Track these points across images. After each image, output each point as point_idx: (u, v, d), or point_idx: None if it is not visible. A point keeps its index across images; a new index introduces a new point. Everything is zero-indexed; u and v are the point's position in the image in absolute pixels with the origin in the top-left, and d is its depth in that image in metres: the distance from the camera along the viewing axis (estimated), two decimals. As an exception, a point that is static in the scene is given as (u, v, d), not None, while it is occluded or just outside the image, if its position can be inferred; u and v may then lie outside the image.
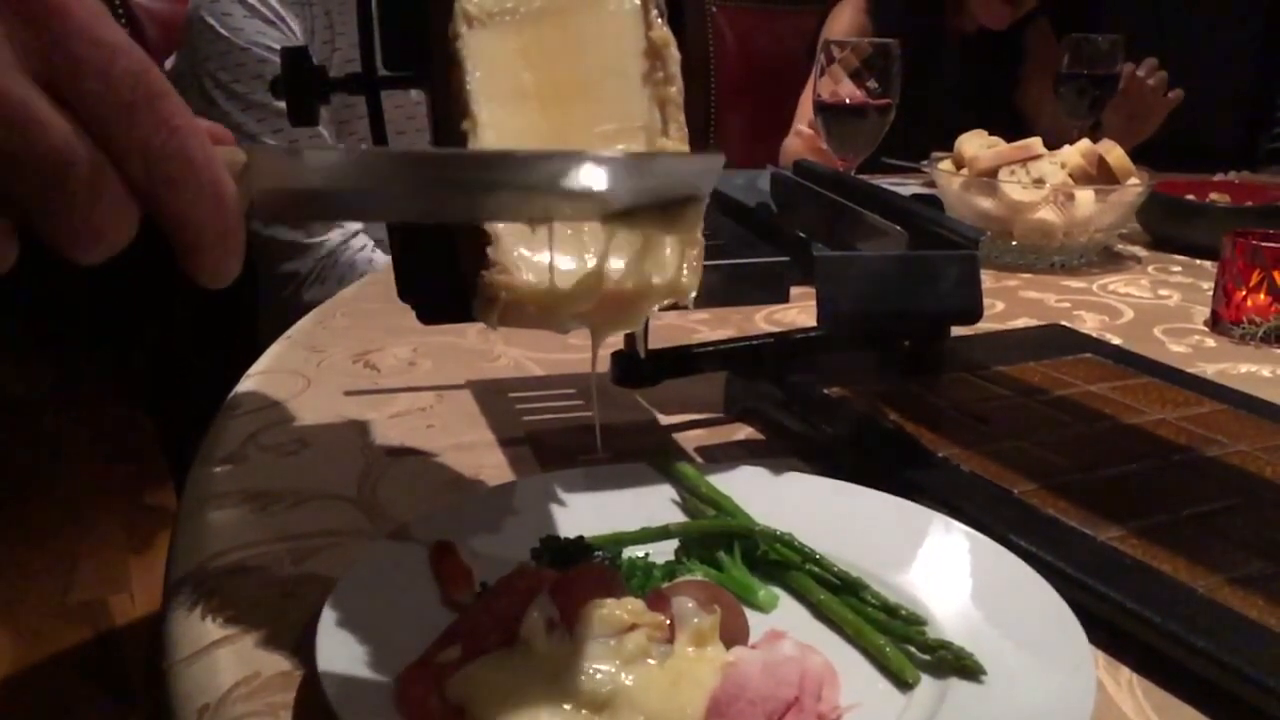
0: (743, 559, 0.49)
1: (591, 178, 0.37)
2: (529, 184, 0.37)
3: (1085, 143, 1.18)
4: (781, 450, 0.65)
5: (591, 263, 0.40)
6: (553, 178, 0.36)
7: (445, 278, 0.48)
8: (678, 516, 0.54)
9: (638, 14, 0.45)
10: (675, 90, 0.43)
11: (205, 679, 0.43)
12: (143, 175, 0.31)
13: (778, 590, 0.49)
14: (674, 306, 0.42)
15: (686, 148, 0.43)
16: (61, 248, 0.31)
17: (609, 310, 0.40)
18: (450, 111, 0.43)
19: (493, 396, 0.73)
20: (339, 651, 0.41)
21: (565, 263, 0.41)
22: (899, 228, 0.63)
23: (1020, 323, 0.93)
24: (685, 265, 0.41)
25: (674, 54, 0.44)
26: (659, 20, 0.44)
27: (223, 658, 0.44)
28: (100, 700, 1.74)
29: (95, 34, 0.30)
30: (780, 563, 0.49)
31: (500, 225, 0.40)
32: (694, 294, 0.41)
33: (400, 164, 0.37)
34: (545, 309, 0.39)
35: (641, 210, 0.38)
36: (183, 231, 0.32)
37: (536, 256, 0.40)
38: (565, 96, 0.43)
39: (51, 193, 0.30)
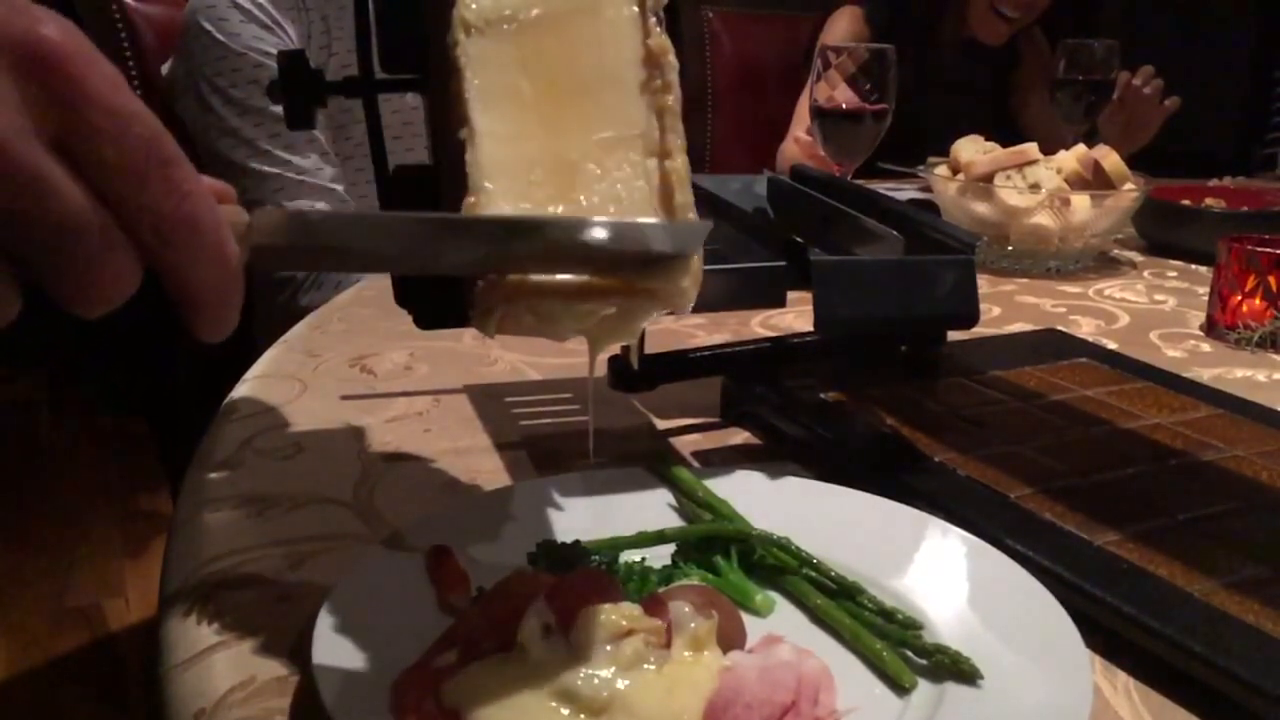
0: (739, 563, 0.49)
1: (581, 244, 0.38)
2: (523, 248, 0.38)
3: (1081, 148, 1.18)
4: (778, 455, 0.65)
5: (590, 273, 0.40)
6: (547, 242, 0.38)
7: (443, 283, 0.48)
8: (674, 521, 0.54)
9: (636, 22, 0.45)
10: (673, 98, 0.43)
11: (201, 684, 0.43)
12: (151, 239, 0.32)
13: (774, 595, 0.49)
14: (671, 312, 0.42)
15: (685, 157, 0.43)
16: (65, 303, 0.32)
17: (607, 320, 0.40)
18: (448, 119, 0.43)
19: (489, 401, 0.73)
20: (335, 656, 0.41)
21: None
22: (895, 233, 0.63)
23: (1016, 328, 0.93)
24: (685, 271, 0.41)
25: (672, 62, 0.44)
26: (657, 28, 0.44)
27: (219, 663, 0.44)
28: (95, 705, 1.74)
29: (111, 102, 0.31)
30: (777, 567, 0.49)
31: None
32: (692, 304, 0.41)
33: (396, 226, 0.38)
34: (542, 319, 0.39)
35: (628, 265, 0.39)
36: (186, 291, 0.33)
37: None
38: (563, 104, 0.43)
39: (60, 256, 0.31)
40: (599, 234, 0.38)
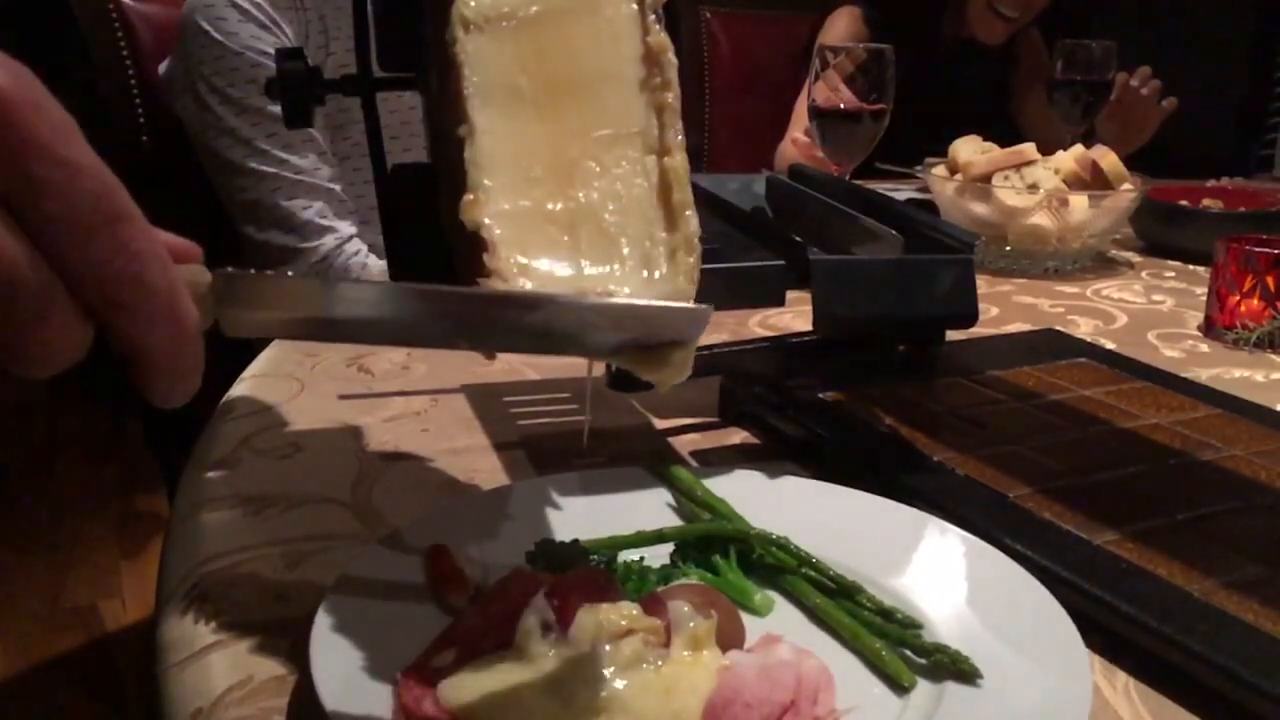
0: (738, 563, 0.49)
1: (583, 324, 0.36)
2: (521, 327, 0.36)
3: (1079, 148, 1.18)
4: (777, 454, 0.65)
5: (589, 271, 0.40)
6: (541, 322, 0.36)
7: (441, 279, 0.47)
8: (673, 520, 0.54)
9: (635, 19, 0.45)
10: (672, 96, 0.43)
11: (198, 683, 0.43)
12: (96, 298, 0.30)
13: (773, 594, 0.48)
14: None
15: (684, 154, 0.43)
16: (4, 363, 0.30)
17: None
18: (447, 116, 0.43)
19: (487, 400, 0.73)
20: (333, 656, 0.40)
21: (562, 270, 0.41)
22: (894, 232, 0.63)
23: (1014, 328, 0.93)
24: (683, 273, 0.41)
25: (671, 59, 0.44)
26: (656, 26, 0.44)
27: (216, 662, 0.44)
28: (91, 706, 1.73)
29: (58, 153, 0.28)
30: (776, 567, 0.49)
31: (497, 231, 0.40)
32: (692, 299, 0.41)
33: (373, 299, 0.36)
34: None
35: (628, 349, 0.38)
36: (135, 355, 0.31)
37: (533, 265, 0.40)
38: (562, 101, 0.43)
39: None
40: (599, 316, 0.36)
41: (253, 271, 0.34)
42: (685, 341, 0.38)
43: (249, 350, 0.82)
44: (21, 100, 0.28)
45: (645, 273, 0.41)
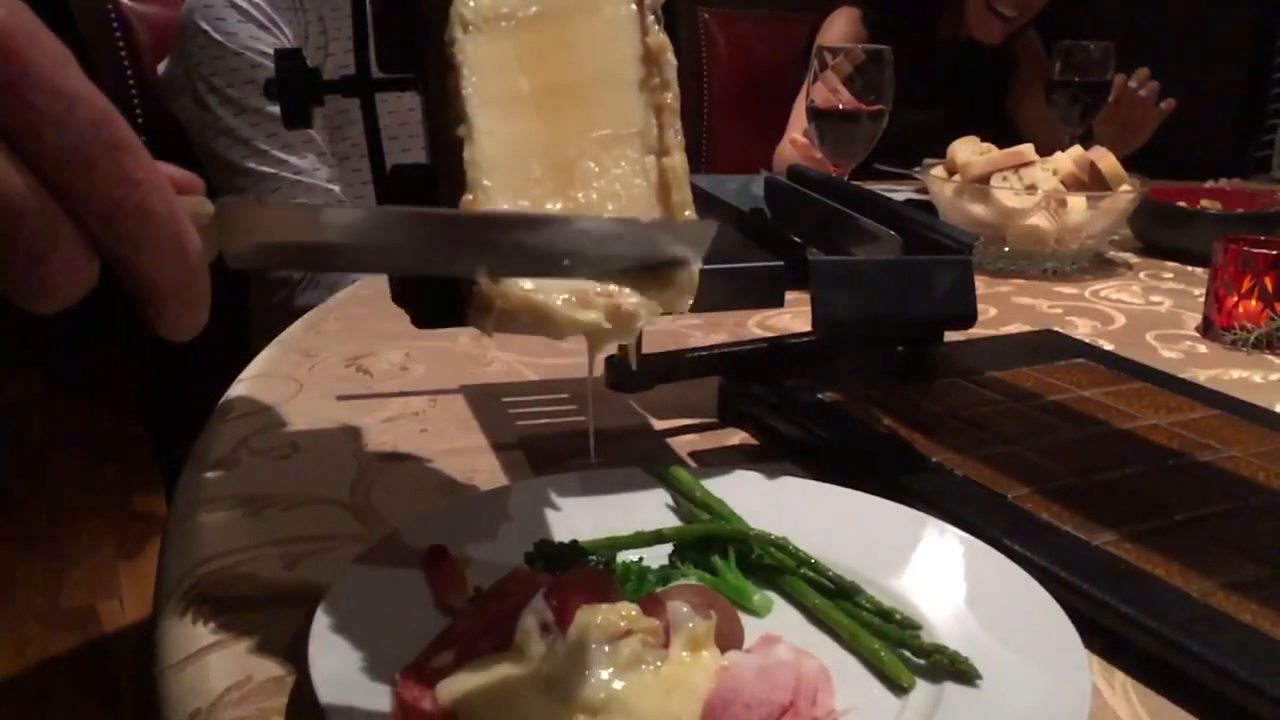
0: (737, 563, 0.49)
1: (585, 242, 0.36)
2: (523, 247, 0.36)
3: (1077, 149, 1.18)
4: (775, 455, 0.65)
5: None
6: (546, 241, 0.35)
7: (441, 282, 0.47)
8: (672, 521, 0.54)
9: (634, 20, 0.45)
10: (671, 96, 0.43)
11: (197, 684, 0.43)
12: (100, 229, 0.30)
13: (772, 595, 0.48)
14: (669, 312, 0.42)
15: (683, 154, 0.43)
16: (12, 298, 0.30)
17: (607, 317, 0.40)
18: (446, 117, 0.43)
19: (486, 401, 0.73)
20: (331, 656, 0.40)
21: None
22: (893, 233, 0.63)
23: (1012, 328, 0.93)
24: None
25: (670, 60, 0.44)
26: (655, 26, 0.44)
27: (214, 663, 0.44)
28: (89, 707, 1.73)
29: (55, 83, 0.28)
30: (775, 567, 0.49)
31: None
32: (690, 301, 0.41)
33: (374, 221, 0.35)
34: (540, 317, 0.39)
35: (632, 269, 0.37)
36: (141, 286, 0.31)
37: None
38: (561, 102, 0.43)
39: (2, 247, 0.29)
40: (602, 233, 0.37)
41: (254, 199, 0.34)
42: (689, 260, 0.38)
43: (247, 351, 0.82)
44: (17, 30, 0.28)
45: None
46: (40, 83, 0.28)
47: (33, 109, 0.28)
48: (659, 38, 0.44)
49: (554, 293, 0.39)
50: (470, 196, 0.41)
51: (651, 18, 0.45)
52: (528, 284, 0.40)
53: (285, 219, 0.34)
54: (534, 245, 0.36)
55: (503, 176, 0.41)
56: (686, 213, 0.42)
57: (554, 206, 0.41)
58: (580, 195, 0.42)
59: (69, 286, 0.30)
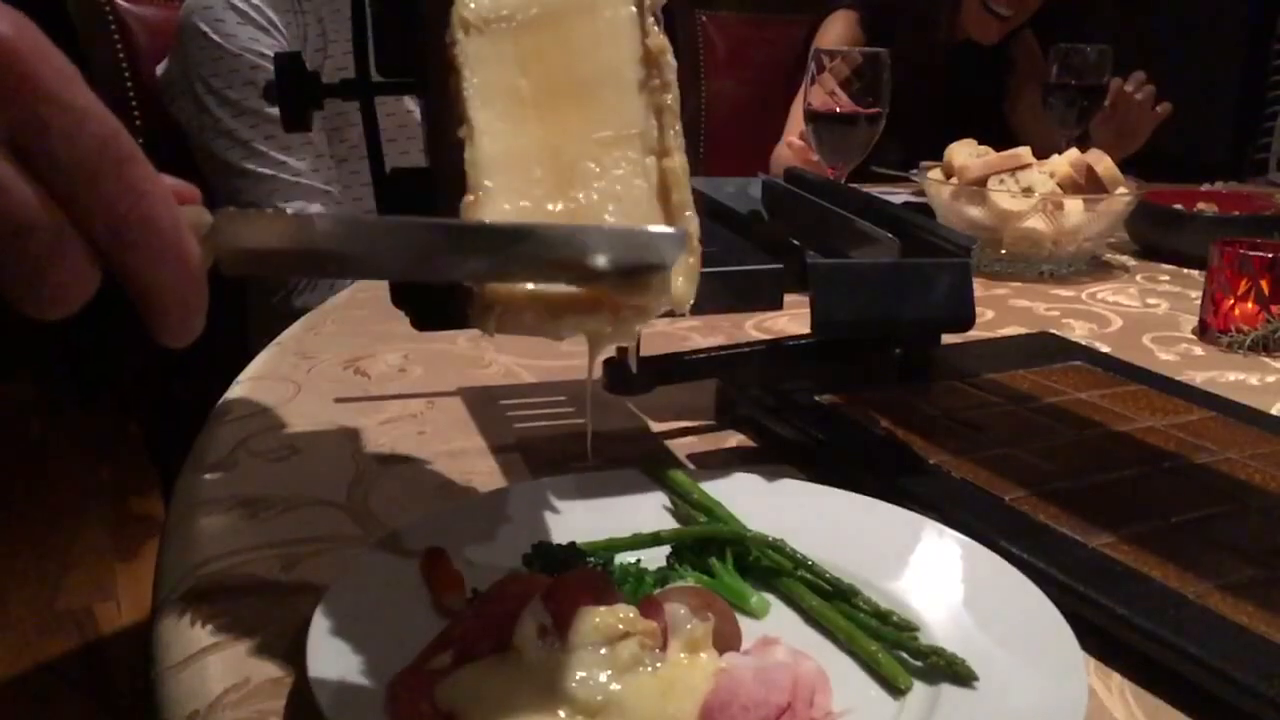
0: (734, 565, 0.49)
1: (567, 251, 0.37)
2: (507, 254, 0.37)
3: (1074, 152, 1.19)
4: (773, 457, 0.65)
5: None
6: (531, 250, 0.37)
7: (440, 285, 0.47)
8: (669, 523, 0.54)
9: (634, 21, 0.45)
10: (671, 97, 0.43)
11: (195, 685, 0.43)
12: (106, 240, 0.31)
13: (769, 597, 0.49)
14: (669, 313, 0.42)
15: (683, 155, 0.43)
16: (18, 304, 0.31)
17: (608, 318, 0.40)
18: (446, 118, 0.43)
19: (484, 403, 0.73)
20: (329, 658, 0.40)
21: None
22: (891, 235, 0.63)
23: (1009, 331, 0.94)
24: (683, 273, 0.41)
25: (670, 61, 0.44)
26: (655, 28, 0.44)
27: (212, 664, 0.44)
28: (87, 708, 1.73)
29: (63, 98, 0.29)
30: (772, 569, 0.49)
31: None
32: (691, 302, 0.41)
33: (369, 231, 0.36)
34: (541, 317, 0.39)
35: (608, 275, 0.39)
36: (145, 294, 0.32)
37: None
38: (562, 103, 0.43)
39: (10, 255, 0.30)
40: (582, 242, 0.37)
41: (250, 209, 0.34)
42: (663, 265, 0.39)
43: (246, 353, 0.83)
44: (27, 47, 0.29)
45: None
46: (50, 97, 0.29)
47: (43, 123, 0.29)
48: (659, 39, 0.44)
49: (555, 293, 0.40)
50: (471, 197, 0.41)
51: (651, 19, 0.45)
52: (530, 284, 0.40)
53: (279, 227, 0.35)
54: (518, 254, 0.37)
55: (504, 177, 0.41)
56: (687, 213, 0.42)
57: (555, 207, 0.42)
58: (581, 196, 0.42)
59: (75, 294, 0.31)
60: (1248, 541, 0.52)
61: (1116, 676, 0.45)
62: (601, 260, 0.37)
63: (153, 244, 0.32)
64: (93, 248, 0.31)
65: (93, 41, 1.34)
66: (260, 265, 0.36)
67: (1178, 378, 0.77)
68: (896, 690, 0.42)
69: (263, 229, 0.35)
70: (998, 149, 1.20)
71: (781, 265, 0.58)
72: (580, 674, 0.39)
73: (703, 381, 0.70)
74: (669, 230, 0.40)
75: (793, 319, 0.92)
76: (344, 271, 0.38)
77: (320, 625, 0.42)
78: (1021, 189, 1.13)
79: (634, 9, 0.45)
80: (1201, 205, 1.32)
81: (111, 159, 0.30)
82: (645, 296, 0.39)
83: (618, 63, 0.44)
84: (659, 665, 0.40)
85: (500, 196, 0.41)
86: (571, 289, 0.39)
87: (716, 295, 0.55)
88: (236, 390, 0.74)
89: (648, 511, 0.54)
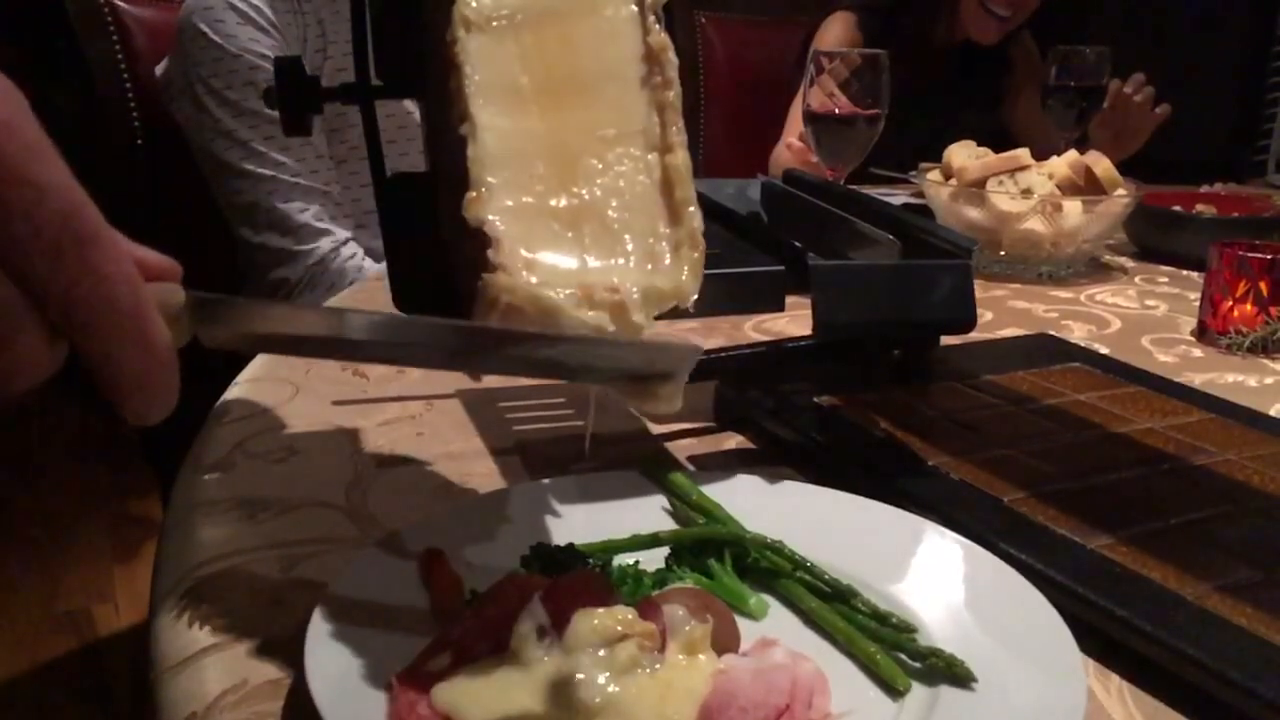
0: (733, 566, 0.49)
1: (586, 358, 0.37)
2: (510, 358, 0.37)
3: (1073, 154, 1.19)
4: (772, 458, 0.65)
5: (593, 265, 0.40)
6: (547, 357, 0.37)
7: (442, 285, 0.48)
8: (668, 524, 0.54)
9: (635, 19, 0.45)
10: (673, 94, 0.43)
11: (193, 687, 0.43)
12: (62, 320, 0.30)
13: (768, 598, 0.49)
14: (673, 311, 0.42)
15: (686, 152, 0.43)
16: None
17: (612, 315, 0.40)
18: (447, 117, 0.43)
19: (482, 405, 0.73)
20: (328, 659, 0.40)
21: (567, 265, 0.40)
22: (891, 237, 0.63)
23: (1008, 332, 0.94)
24: (687, 268, 0.41)
25: (672, 58, 0.44)
26: (656, 25, 0.44)
27: (210, 666, 0.44)
28: (84, 710, 1.73)
29: (26, 174, 0.28)
30: (771, 570, 0.49)
31: (501, 227, 0.40)
32: (695, 297, 0.41)
33: (349, 326, 0.36)
34: (545, 312, 0.39)
35: (621, 379, 0.39)
36: (102, 375, 0.32)
37: (538, 259, 0.40)
38: (564, 100, 0.43)
39: None
40: (592, 347, 0.38)
41: (223, 296, 0.34)
42: (675, 374, 0.39)
43: (243, 354, 0.82)
44: None
45: (649, 266, 0.41)
46: (11, 173, 0.28)
47: (1, 200, 0.28)
48: (660, 37, 0.44)
49: (559, 289, 0.40)
50: (474, 194, 0.41)
51: (652, 17, 0.45)
52: (534, 278, 0.40)
53: (261, 314, 0.35)
54: (536, 359, 0.37)
55: (506, 174, 0.41)
56: (690, 209, 0.42)
57: (558, 203, 0.41)
58: (584, 192, 0.42)
59: (32, 371, 0.31)
60: (1246, 543, 0.52)
61: (1115, 678, 0.45)
62: (613, 368, 0.38)
63: (112, 328, 0.31)
64: (53, 326, 0.30)
65: (91, 42, 1.34)
66: (239, 345, 0.36)
67: (1176, 379, 0.77)
68: (895, 692, 0.42)
69: (242, 314, 0.34)
70: (996, 150, 1.20)
71: (783, 267, 0.58)
72: (579, 676, 0.39)
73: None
74: (683, 344, 0.41)
75: (792, 320, 0.92)
76: (330, 355, 0.38)
77: (318, 627, 0.42)
78: (1020, 190, 1.13)
79: (635, 7, 0.45)
80: (1200, 207, 1.32)
81: (72, 238, 0.29)
82: (653, 403, 0.40)
83: (619, 60, 0.44)
84: (657, 667, 0.40)
85: (503, 192, 0.41)
86: (584, 281, 0.40)
87: (719, 297, 0.55)
88: (235, 392, 0.74)
89: (646, 513, 0.54)
